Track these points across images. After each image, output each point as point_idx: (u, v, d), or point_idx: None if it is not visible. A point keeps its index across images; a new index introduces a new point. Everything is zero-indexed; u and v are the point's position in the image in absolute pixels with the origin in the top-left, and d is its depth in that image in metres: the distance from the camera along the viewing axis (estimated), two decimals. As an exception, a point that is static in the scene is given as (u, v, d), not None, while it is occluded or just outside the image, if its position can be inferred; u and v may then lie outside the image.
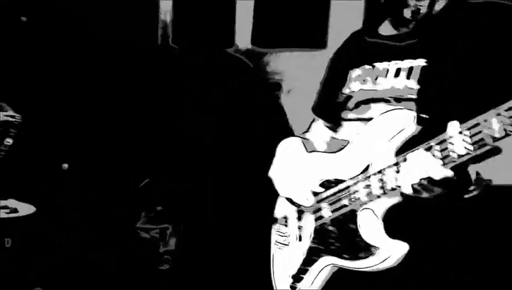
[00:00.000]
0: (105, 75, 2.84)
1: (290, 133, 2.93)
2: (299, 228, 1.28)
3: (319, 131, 1.49)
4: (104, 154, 2.51)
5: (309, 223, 1.26)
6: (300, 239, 1.27)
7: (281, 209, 1.37)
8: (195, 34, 3.06)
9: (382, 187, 1.10)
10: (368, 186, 1.13)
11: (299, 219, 1.29)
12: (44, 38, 2.99)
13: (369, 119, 1.21)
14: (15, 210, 2.43)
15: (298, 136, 1.47)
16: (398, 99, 1.19)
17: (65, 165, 2.59)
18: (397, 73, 1.21)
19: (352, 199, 1.16)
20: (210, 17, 3.05)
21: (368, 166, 1.15)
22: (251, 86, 3.06)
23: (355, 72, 1.33)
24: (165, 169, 2.32)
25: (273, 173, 1.40)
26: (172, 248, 2.20)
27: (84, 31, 2.92)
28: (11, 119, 2.99)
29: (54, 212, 2.58)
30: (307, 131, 1.54)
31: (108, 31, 2.97)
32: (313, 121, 1.54)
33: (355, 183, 1.16)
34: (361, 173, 1.16)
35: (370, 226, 1.11)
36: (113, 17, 2.98)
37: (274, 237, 1.37)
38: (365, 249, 1.10)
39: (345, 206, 1.17)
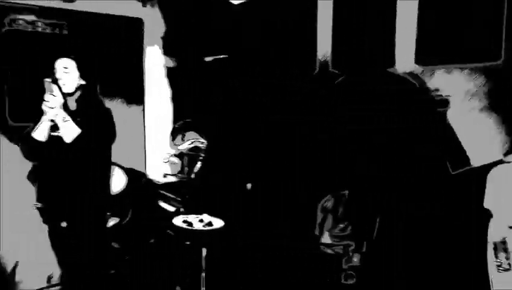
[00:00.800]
0: (277, 104, 3.12)
1: (461, 149, 2.83)
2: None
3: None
4: (287, 172, 2.75)
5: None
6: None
7: (498, 233, 1.37)
8: (356, 57, 3.16)
9: None
10: None
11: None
12: (221, 73, 3.43)
13: None
14: (210, 223, 2.81)
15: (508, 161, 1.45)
16: None
17: (249, 185, 2.91)
18: None
19: None
20: (369, 39, 3.12)
21: None
22: (416, 104, 3.03)
23: None
24: (354, 186, 2.43)
25: (489, 200, 1.41)
26: (357, 264, 2.29)
27: (248, 66, 3.26)
28: (200, 145, 3.47)
29: (240, 226, 2.90)
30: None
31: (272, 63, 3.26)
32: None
33: None
34: None
35: None
36: (274, 50, 3.26)
37: (492, 260, 1.37)
38: None
39: None
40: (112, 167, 3.08)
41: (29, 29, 3.10)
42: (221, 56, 3.28)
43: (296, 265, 2.59)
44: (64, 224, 2.64)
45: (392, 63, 3.09)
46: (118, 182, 3.30)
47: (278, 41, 3.27)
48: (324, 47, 3.23)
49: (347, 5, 3.16)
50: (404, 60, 3.07)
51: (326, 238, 2.41)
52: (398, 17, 3.04)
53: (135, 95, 3.68)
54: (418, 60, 3.04)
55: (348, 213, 2.37)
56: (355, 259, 2.30)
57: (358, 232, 2.30)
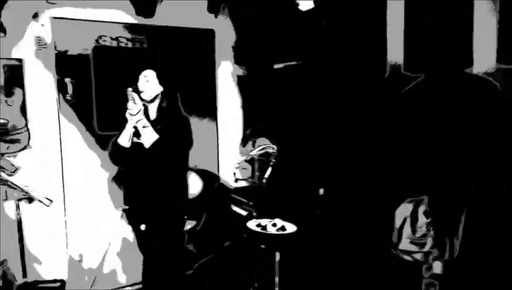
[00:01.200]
0: (348, 108, 3.09)
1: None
2: None
3: None
4: (361, 177, 2.73)
5: None
6: None
7: None
8: (431, 58, 3.05)
9: None
10: None
11: None
12: (291, 80, 3.46)
13: None
14: (283, 228, 2.84)
15: None
16: None
17: (321, 190, 2.92)
18: None
19: None
20: (445, 40, 3.01)
21: None
22: (497, 105, 2.87)
23: None
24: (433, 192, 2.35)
25: None
26: (439, 272, 2.21)
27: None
28: (270, 150, 3.53)
29: (313, 231, 2.91)
30: None
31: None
32: None
33: None
34: None
35: None
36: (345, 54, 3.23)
37: None
38: None
39: None
40: (188, 171, 3.23)
41: (114, 45, 3.35)
42: (291, 63, 3.32)
43: (372, 272, 2.55)
44: (143, 227, 2.80)
45: (470, 63, 2.96)
46: (194, 186, 3.44)
47: (348, 45, 3.24)
48: (395, 49, 3.16)
49: (420, 4, 3.07)
50: (483, 59, 2.93)
51: (404, 245, 2.35)
52: (475, 14, 2.91)
53: (208, 103, 3.84)
54: (501, 59, 2.88)
55: (429, 219, 2.29)
56: (437, 267, 2.22)
57: (440, 239, 2.22)
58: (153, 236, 2.76)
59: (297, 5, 3.31)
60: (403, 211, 2.39)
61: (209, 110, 3.84)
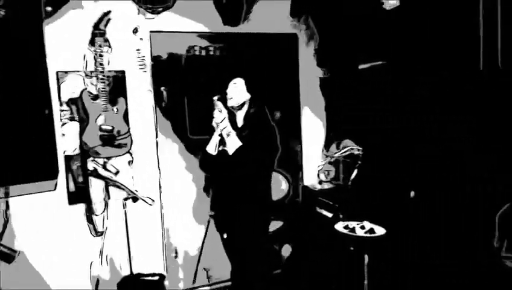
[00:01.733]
0: (439, 107, 2.96)
1: None
2: None
3: None
4: (457, 179, 2.61)
5: None
6: None
7: None
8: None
9: None
10: None
11: None
12: (377, 80, 3.40)
13: None
14: (371, 230, 2.80)
15: None
16: None
17: (412, 193, 2.83)
18: None
19: None
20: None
21: None
22: None
23: None
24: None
25: None
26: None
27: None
28: (356, 152, 3.50)
29: (403, 235, 2.83)
30: None
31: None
32: None
33: None
34: None
35: None
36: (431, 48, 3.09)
37: None
38: None
39: None
40: (275, 174, 3.30)
41: (203, 54, 3.54)
42: (377, 63, 3.25)
43: (470, 280, 2.42)
44: (225, 235, 2.85)
45: None
46: (280, 188, 3.52)
47: (437, 41, 3.10)
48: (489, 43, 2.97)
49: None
50: None
51: (508, 251, 2.20)
52: None
53: (292, 106, 3.90)
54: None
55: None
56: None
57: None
58: (239, 240, 2.78)
59: (382, 3, 3.24)
60: (505, 215, 2.25)
61: (293, 113, 3.90)
